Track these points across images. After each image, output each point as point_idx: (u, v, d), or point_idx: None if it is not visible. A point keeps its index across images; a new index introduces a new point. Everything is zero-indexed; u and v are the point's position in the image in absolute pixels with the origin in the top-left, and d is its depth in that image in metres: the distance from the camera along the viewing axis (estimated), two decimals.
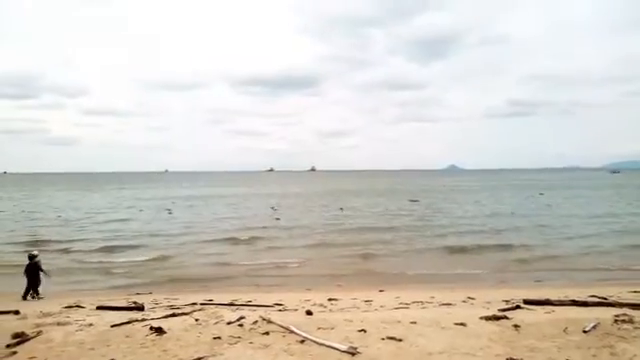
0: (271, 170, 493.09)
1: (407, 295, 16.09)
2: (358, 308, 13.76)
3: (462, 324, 10.28)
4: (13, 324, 10.79)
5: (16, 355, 8.99)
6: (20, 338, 9.65)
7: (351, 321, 10.64)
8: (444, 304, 14.11)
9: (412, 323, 10.43)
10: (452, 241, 32.48)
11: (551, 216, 46.99)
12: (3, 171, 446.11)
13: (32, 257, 17.18)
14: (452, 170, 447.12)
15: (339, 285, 19.91)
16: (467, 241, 32.24)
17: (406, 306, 13.81)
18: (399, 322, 10.51)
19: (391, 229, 39.38)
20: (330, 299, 15.57)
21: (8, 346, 9.31)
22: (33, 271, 16.94)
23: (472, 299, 15.15)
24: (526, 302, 12.86)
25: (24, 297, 16.81)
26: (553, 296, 13.74)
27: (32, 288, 16.93)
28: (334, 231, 38.30)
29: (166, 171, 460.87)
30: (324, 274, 22.51)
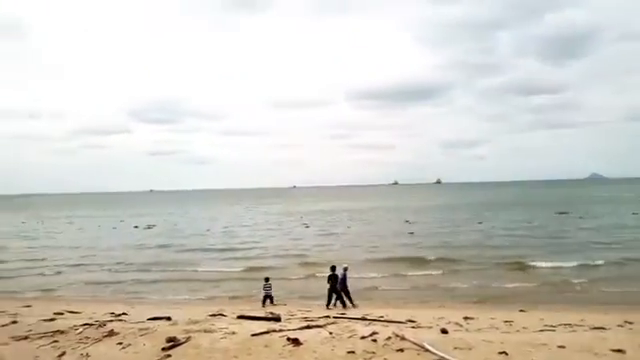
0: (395, 183, 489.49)
1: (552, 317, 14.81)
2: (497, 329, 12.96)
3: (620, 351, 9.25)
4: (166, 329, 11.79)
5: (170, 358, 9.80)
6: (173, 342, 10.49)
7: (491, 342, 10.07)
8: (596, 328, 12.77)
9: (560, 347, 9.58)
10: (609, 256, 29.36)
11: None
12: (149, 189, 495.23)
13: (333, 268, 18.45)
14: (594, 179, 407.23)
15: (475, 302, 19.06)
16: (627, 256, 29.14)
17: (552, 328, 12.72)
18: (545, 345, 9.72)
19: (539, 244, 36.74)
20: (466, 317, 14.86)
21: (163, 349, 10.18)
22: (336, 281, 18.11)
23: (630, 323, 13.54)
24: None
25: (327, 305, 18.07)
26: None
27: (338, 297, 18.08)
28: (473, 246, 36.81)
29: (294, 187, 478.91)
30: (459, 291, 21.60)
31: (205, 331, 11.52)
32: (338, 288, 18.02)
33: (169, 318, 13.66)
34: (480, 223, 54.61)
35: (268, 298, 19.35)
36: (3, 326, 12.49)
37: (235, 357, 9.72)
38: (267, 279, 19.90)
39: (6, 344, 10.80)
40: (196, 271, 29.52)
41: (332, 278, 18.15)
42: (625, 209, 68.05)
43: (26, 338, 11.22)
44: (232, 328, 11.72)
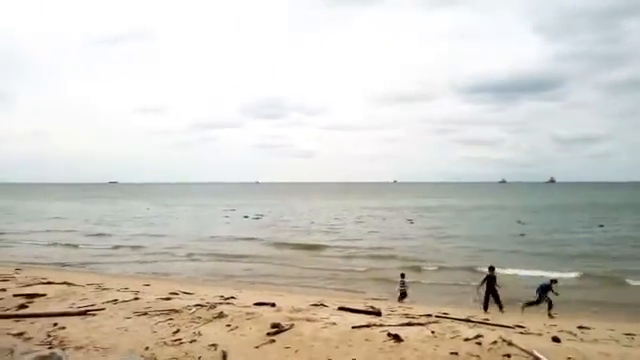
0: (503, 181, 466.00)
1: None
2: (617, 341, 11.93)
3: None
4: (271, 315, 12.26)
5: (274, 343, 10.18)
6: (277, 329, 10.90)
7: (608, 355, 9.31)
8: None
9: None
10: None
11: None
12: (256, 181, 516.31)
13: (492, 269, 18.22)
14: None
15: (594, 311, 17.70)
16: None
17: None
18: None
19: None
20: (580, 327, 13.83)
21: (268, 334, 10.61)
22: (490, 283, 17.82)
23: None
24: None
25: (485, 308, 17.52)
26: None
27: (495, 300, 17.77)
28: (587, 246, 34.37)
29: (395, 182, 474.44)
30: (571, 298, 20.15)
31: (307, 320, 11.81)
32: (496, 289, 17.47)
33: (274, 304, 14.18)
34: (601, 226, 50.45)
35: (403, 295, 19.27)
36: (127, 302, 13.72)
37: (336, 347, 9.86)
38: (403, 275, 19.84)
39: (129, 318, 11.86)
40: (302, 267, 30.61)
41: (489, 279, 17.49)
42: None
43: (145, 314, 12.22)
44: (333, 319, 11.90)
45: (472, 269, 25.88)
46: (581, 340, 11.77)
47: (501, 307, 17.41)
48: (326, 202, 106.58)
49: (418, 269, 27.10)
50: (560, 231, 45.55)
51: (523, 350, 9.37)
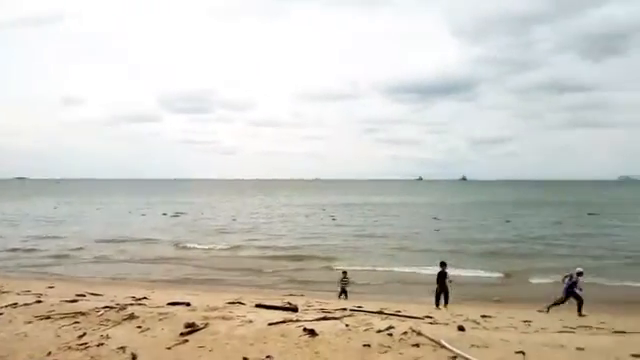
0: (420, 179, 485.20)
1: (572, 318, 14.62)
2: (515, 328, 12.82)
3: None
4: (185, 314, 11.98)
5: (187, 343, 9.95)
6: (191, 328, 10.66)
7: (508, 341, 9.93)
8: (617, 331, 12.53)
9: (579, 349, 9.40)
10: (629, 258, 29.15)
11: None
12: (175, 178, 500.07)
13: (443, 264, 17.95)
14: (625, 181, 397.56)
15: (496, 300, 18.86)
16: None
17: (571, 330, 12.53)
18: (563, 347, 9.55)
19: (560, 241, 37.00)
20: (484, 316, 14.75)
21: (181, 334, 10.36)
22: (441, 279, 17.61)
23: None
24: None
25: (436, 304, 17.33)
26: None
27: (444, 296, 17.53)
28: (496, 241, 36.67)
29: (317, 179, 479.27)
30: (477, 288, 21.40)
31: (223, 318, 11.65)
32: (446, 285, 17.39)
33: (188, 304, 13.87)
34: (508, 222, 54.26)
35: (343, 292, 19.50)
36: (28, 305, 12.86)
37: (252, 345, 9.81)
38: (345, 272, 20.05)
39: (30, 322, 11.13)
40: (219, 257, 30.14)
41: (441, 275, 17.38)
42: None
43: (48, 318, 11.52)
44: (249, 316, 11.83)
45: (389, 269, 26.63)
46: (484, 328, 12.53)
47: (447, 303, 17.27)
48: (249, 199, 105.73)
49: (333, 268, 27.16)
50: (471, 227, 48.29)
51: (431, 339, 9.80)
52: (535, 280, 23.70)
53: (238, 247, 34.76)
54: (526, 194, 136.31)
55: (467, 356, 8.81)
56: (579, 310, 15.77)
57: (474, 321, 13.74)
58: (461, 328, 11.38)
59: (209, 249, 33.94)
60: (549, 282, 22.91)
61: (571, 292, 16.14)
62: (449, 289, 17.32)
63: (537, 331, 12.31)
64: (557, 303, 16.40)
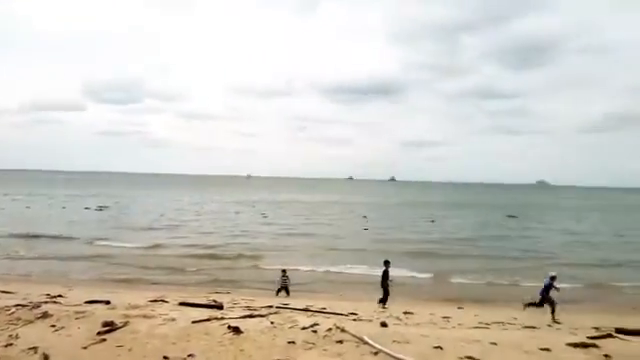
0: (350, 178, 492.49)
1: (487, 314, 15.43)
2: (435, 324, 13.35)
3: (547, 349, 9.65)
4: (104, 313, 11.51)
5: (105, 342, 9.56)
6: (109, 327, 10.25)
7: (427, 336, 10.33)
8: (527, 326, 13.37)
9: (492, 344, 9.93)
10: (547, 258, 31.01)
11: None
12: (103, 170, 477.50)
13: (387, 263, 17.50)
14: (541, 186, 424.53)
15: (419, 298, 19.53)
16: (563, 259, 30.86)
17: (486, 326, 13.22)
18: (478, 342, 10.05)
19: (480, 242, 38.72)
20: (406, 312, 15.25)
21: (99, 333, 9.93)
22: (384, 277, 17.18)
23: (559, 323, 14.24)
24: (619, 331, 11.83)
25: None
26: None
27: (384, 293, 17.16)
28: (421, 242, 37.89)
29: (249, 176, 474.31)
30: (403, 286, 21.98)
31: (144, 316, 11.32)
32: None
33: (108, 302, 13.34)
34: (433, 221, 56.45)
35: (284, 289, 19.46)
36: None
37: (173, 343, 9.59)
38: (284, 271, 20.01)
39: None
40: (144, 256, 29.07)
41: (385, 274, 17.23)
42: (566, 215, 71.57)
43: None
44: (172, 314, 11.56)
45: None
46: (406, 324, 12.95)
47: (384, 301, 17.06)
48: (178, 195, 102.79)
49: (259, 266, 27.03)
50: (399, 227, 49.61)
51: (354, 336, 10.00)
52: (456, 280, 24.70)
53: (163, 245, 33.53)
54: (451, 196, 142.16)
55: (388, 351, 9.06)
56: (552, 313, 15.43)
57: (396, 317, 14.17)
58: (384, 324, 11.72)
59: (133, 247, 32.46)
60: (469, 282, 24.10)
61: (544, 296, 15.82)
62: (389, 289, 17.12)
63: (455, 327, 12.88)
64: (533, 304, 16.08)
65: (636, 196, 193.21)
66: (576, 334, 11.52)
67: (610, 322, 13.38)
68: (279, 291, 19.49)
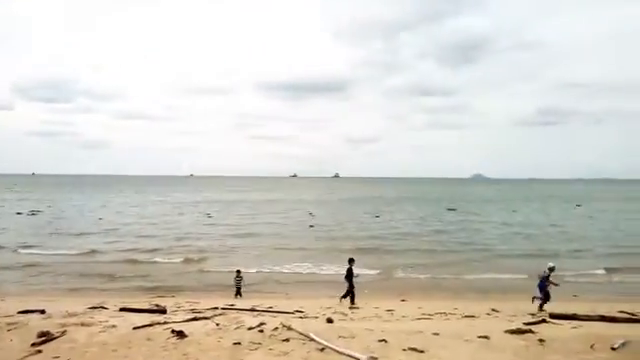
0: (294, 176, 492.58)
1: (430, 305, 15.88)
2: (380, 317, 13.61)
3: (486, 337, 10.05)
4: (39, 323, 10.98)
5: (41, 354, 9.13)
6: (45, 337, 9.80)
7: (372, 330, 10.52)
8: (467, 316, 13.87)
9: (434, 335, 10.25)
10: (486, 250, 32.32)
11: (593, 228, 46.28)
12: (32, 172, 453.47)
13: (351, 261, 17.22)
14: (478, 179, 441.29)
15: (365, 292, 19.76)
16: (502, 250, 32.24)
17: (429, 317, 13.61)
18: (421, 333, 10.34)
19: (423, 236, 39.69)
20: (351, 307, 15.48)
21: (33, 344, 9.47)
22: (349, 275, 16.92)
23: (497, 311, 14.85)
24: (552, 316, 12.53)
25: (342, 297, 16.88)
26: (581, 311, 13.36)
27: (348, 290, 16.85)
28: (367, 237, 38.43)
29: (191, 175, 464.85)
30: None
31: (82, 324, 10.91)
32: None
33: (43, 311, 12.75)
34: (377, 217, 57.53)
35: (238, 291, 19.15)
36: None
37: (114, 351, 9.29)
38: (239, 271, 19.59)
39: None
40: (83, 263, 27.86)
41: (349, 272, 17.08)
42: (501, 207, 74.74)
43: None
44: (113, 321, 11.21)
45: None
46: (351, 319, 13.13)
47: (345, 297, 16.93)
48: (117, 197, 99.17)
49: (204, 269, 26.45)
50: (344, 223, 50.10)
51: (301, 333, 10.05)
52: (401, 274, 25.20)
53: (102, 250, 32.03)
54: (393, 191, 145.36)
55: (334, 347, 9.16)
56: (540, 306, 15.32)
57: (342, 313, 14.34)
58: (329, 320, 11.84)
59: (69, 253, 30.81)
60: (413, 277, 24.62)
61: (542, 288, 15.55)
62: (354, 286, 17.04)
63: (399, 319, 13.19)
64: (541, 299, 15.55)
65: (567, 187, 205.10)
66: (513, 321, 12.06)
67: (549, 309, 14.06)
68: (237, 293, 19.17)
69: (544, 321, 11.93)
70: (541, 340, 9.85)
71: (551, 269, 15.67)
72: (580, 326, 11.28)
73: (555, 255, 30.25)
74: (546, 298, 15.48)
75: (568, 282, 23.13)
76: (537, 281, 15.78)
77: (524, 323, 11.43)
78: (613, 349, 9.26)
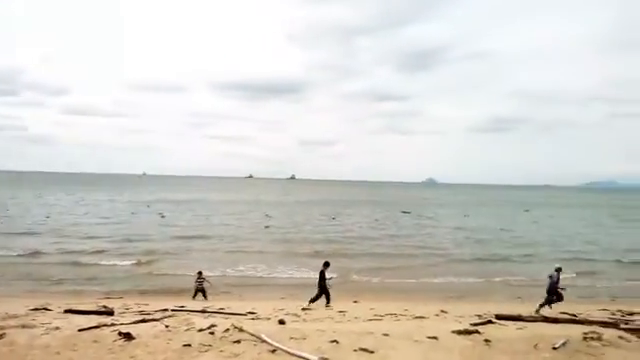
0: (250, 177, 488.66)
1: (381, 307, 16.09)
2: (332, 319, 13.69)
3: (434, 338, 10.28)
4: None
5: None
6: None
7: (324, 331, 10.57)
8: (417, 317, 14.14)
9: (385, 335, 10.39)
10: (439, 254, 32.96)
11: (539, 232, 48.36)
12: None
13: (326, 264, 16.92)
14: (430, 184, 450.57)
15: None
16: (455, 254, 33.03)
17: (380, 318, 13.80)
18: (372, 334, 10.47)
19: (379, 239, 40.30)
20: (304, 309, 15.51)
21: None
22: (321, 279, 16.68)
23: (445, 312, 15.21)
24: (498, 317, 12.95)
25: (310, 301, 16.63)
26: (525, 312, 13.89)
27: (320, 293, 16.69)
28: (323, 240, 38.61)
29: (144, 174, 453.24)
30: (302, 283, 22.23)
31: (24, 326, 10.50)
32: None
33: None
34: (333, 218, 58.50)
35: (200, 292, 18.68)
36: None
37: (57, 354, 8.98)
38: (200, 273, 19.17)
39: None
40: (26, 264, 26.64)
41: (321, 275, 16.92)
42: (452, 212, 76.76)
43: None
44: (56, 323, 10.83)
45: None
46: (304, 320, 13.15)
47: (315, 300, 16.76)
48: (64, 195, 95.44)
49: (155, 272, 25.65)
50: (300, 226, 50.16)
51: (252, 335, 9.99)
52: (355, 277, 25.34)
53: (46, 251, 30.60)
54: (348, 194, 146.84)
55: (285, 348, 9.16)
56: (541, 305, 15.45)
57: (295, 314, 14.34)
58: (282, 322, 11.83)
59: (10, 254, 29.20)
60: (367, 279, 24.89)
61: (553, 291, 15.43)
62: (329, 290, 16.98)
63: (350, 320, 13.31)
64: (550, 301, 15.64)
65: (518, 192, 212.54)
66: (461, 322, 12.38)
67: (495, 310, 14.49)
68: (196, 294, 18.74)
69: (490, 322, 12.31)
70: (487, 340, 10.16)
71: (558, 270, 15.72)
72: (525, 327, 11.70)
73: (505, 259, 31.35)
74: (558, 298, 15.52)
75: (512, 286, 24.01)
76: (547, 283, 15.78)
77: (471, 324, 11.75)
78: (554, 348, 9.68)
